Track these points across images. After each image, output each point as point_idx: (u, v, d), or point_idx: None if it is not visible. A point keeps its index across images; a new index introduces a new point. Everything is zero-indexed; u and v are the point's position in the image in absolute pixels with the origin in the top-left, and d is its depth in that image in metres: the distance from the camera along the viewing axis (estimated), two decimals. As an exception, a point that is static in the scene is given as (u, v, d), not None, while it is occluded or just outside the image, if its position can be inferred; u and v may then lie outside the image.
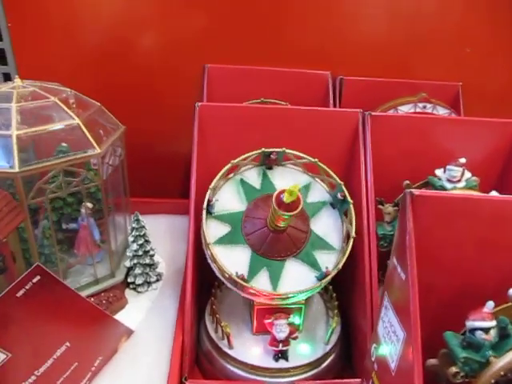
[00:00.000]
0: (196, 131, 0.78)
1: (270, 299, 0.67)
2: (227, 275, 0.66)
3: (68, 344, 0.59)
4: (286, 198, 0.61)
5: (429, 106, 0.91)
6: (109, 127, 0.77)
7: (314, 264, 0.69)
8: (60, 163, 0.64)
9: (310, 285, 0.67)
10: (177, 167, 1.11)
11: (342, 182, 0.72)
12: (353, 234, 0.69)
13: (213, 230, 0.69)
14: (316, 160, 0.73)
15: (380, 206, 0.77)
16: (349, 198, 0.71)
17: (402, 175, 0.77)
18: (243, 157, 0.72)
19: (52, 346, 0.57)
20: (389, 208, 0.76)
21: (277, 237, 0.69)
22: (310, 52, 1.02)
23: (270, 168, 0.76)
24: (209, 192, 0.69)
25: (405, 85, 0.99)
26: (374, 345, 0.58)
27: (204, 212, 0.69)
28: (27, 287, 0.51)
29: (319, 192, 0.76)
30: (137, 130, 1.01)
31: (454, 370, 0.48)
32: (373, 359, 0.58)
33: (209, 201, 0.69)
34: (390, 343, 0.53)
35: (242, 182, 0.75)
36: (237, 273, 0.66)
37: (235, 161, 0.71)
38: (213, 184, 0.70)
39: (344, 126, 0.79)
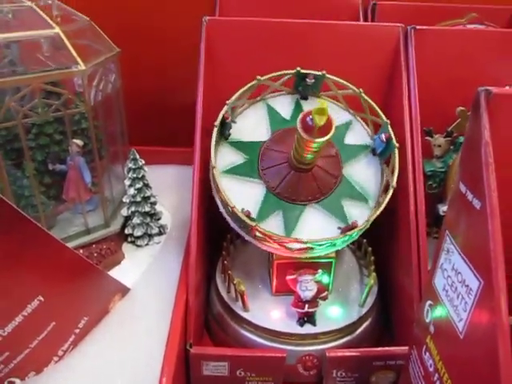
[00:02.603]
0: (202, 54, 0.64)
1: (280, 244, 0.55)
2: (230, 208, 0.54)
3: (41, 298, 0.47)
4: (317, 120, 0.48)
5: (480, 27, 0.76)
6: (100, 48, 0.64)
7: (339, 215, 0.57)
8: (35, 78, 0.52)
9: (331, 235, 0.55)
10: (186, 114, 0.98)
11: (388, 121, 0.58)
12: (393, 183, 0.56)
13: (224, 158, 0.58)
14: (360, 91, 0.60)
15: (428, 138, 0.63)
16: (394, 141, 0.57)
17: (454, 102, 0.63)
18: (272, 75, 0.60)
19: (20, 299, 0.46)
20: (439, 139, 0.63)
21: (299, 176, 0.57)
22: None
23: (305, 98, 0.63)
24: (225, 107, 0.57)
25: (448, 10, 0.84)
26: (429, 302, 0.45)
27: (215, 130, 0.56)
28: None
29: (360, 134, 0.62)
30: (140, 74, 0.90)
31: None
32: (427, 320, 0.46)
33: (224, 118, 0.57)
34: (455, 297, 0.40)
35: (270, 108, 0.62)
36: (243, 209, 0.54)
37: (262, 78, 0.59)
38: (232, 99, 0.58)
39: (382, 45, 0.66)
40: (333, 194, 0.58)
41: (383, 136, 0.58)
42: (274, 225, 0.55)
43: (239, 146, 0.59)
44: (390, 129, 0.58)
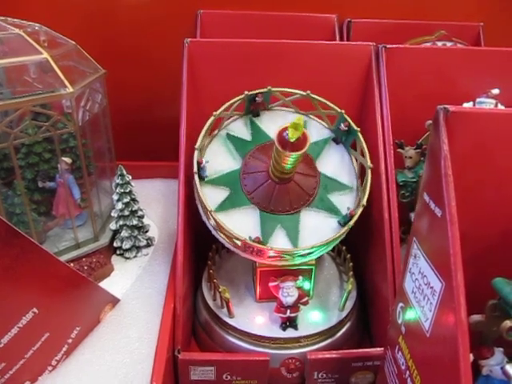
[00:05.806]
0: (185, 74, 0.67)
1: (293, 256, 0.58)
2: (240, 242, 0.56)
3: (36, 310, 0.49)
4: (291, 135, 0.51)
5: (449, 44, 0.81)
6: (86, 70, 0.67)
7: (331, 209, 0.61)
8: (24, 102, 0.55)
9: (333, 232, 0.59)
10: (170, 130, 1.01)
11: (342, 110, 0.63)
12: (368, 163, 0.60)
13: (210, 197, 0.59)
14: (308, 92, 0.64)
15: (400, 150, 0.67)
16: (354, 126, 0.62)
17: (423, 116, 0.66)
18: (225, 106, 0.62)
19: (15, 312, 0.48)
20: (410, 151, 0.66)
21: (284, 188, 0.60)
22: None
23: (257, 115, 0.66)
24: (196, 153, 0.59)
25: (420, 27, 0.89)
26: (401, 304, 0.49)
27: (196, 177, 0.58)
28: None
29: (317, 129, 0.67)
30: (127, 91, 0.93)
31: (509, 323, 0.38)
32: (399, 321, 0.49)
33: (199, 163, 0.59)
34: (422, 299, 0.43)
35: (229, 136, 0.65)
36: (250, 237, 0.56)
37: (217, 112, 0.62)
38: (199, 143, 0.60)
39: (355, 63, 0.69)
40: (318, 192, 0.62)
41: (342, 125, 0.63)
42: (279, 240, 0.58)
43: (218, 181, 0.61)
44: (346, 116, 0.62)
